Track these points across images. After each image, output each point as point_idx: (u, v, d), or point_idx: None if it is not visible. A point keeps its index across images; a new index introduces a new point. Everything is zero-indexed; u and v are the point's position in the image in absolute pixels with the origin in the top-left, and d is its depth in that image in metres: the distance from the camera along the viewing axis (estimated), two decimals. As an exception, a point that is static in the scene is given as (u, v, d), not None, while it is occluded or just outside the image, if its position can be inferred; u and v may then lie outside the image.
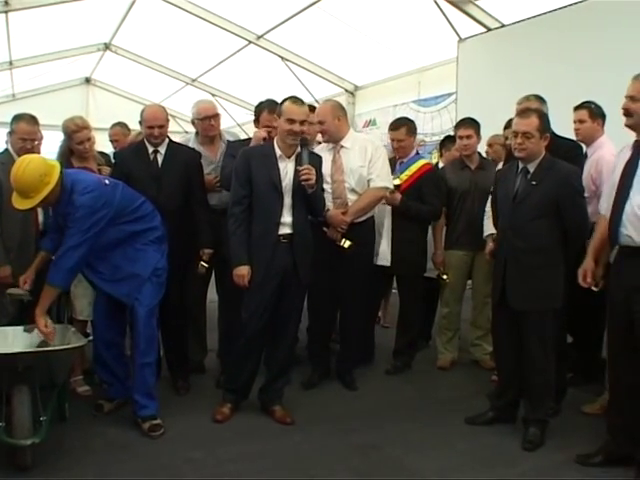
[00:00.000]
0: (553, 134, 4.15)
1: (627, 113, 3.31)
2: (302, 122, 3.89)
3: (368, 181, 4.49)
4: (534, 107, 4.03)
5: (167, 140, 4.53)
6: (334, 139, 4.54)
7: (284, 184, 3.93)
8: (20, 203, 3.62)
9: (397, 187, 4.82)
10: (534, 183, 3.72)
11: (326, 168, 4.40)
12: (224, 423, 4.02)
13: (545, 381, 3.79)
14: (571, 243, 3.78)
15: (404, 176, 4.95)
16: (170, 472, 3.43)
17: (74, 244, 3.68)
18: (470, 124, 5.11)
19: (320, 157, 4.16)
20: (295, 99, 3.97)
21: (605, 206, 3.53)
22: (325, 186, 4.37)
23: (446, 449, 3.75)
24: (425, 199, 4.91)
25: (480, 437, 3.89)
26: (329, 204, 4.39)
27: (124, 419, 4.02)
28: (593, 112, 4.46)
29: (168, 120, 4.62)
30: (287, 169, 3.94)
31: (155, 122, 4.45)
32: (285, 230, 3.94)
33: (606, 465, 3.46)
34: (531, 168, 3.76)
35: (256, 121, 4.78)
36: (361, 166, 4.47)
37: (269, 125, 4.51)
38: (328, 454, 3.67)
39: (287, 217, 3.95)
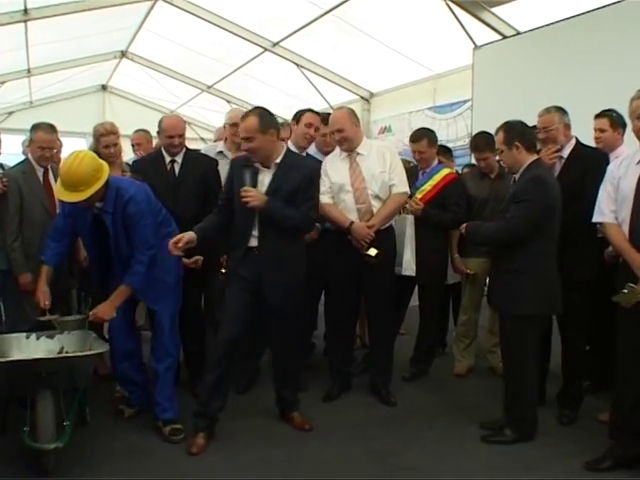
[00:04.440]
0: (578, 143, 4.17)
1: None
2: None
3: (390, 186, 4.43)
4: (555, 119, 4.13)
5: (184, 149, 4.59)
6: (353, 146, 4.44)
7: None
8: (68, 196, 3.65)
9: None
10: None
11: (343, 177, 4.41)
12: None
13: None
14: None
15: (428, 186, 4.95)
16: (190, 478, 3.47)
17: (147, 247, 3.83)
18: (484, 148, 4.94)
19: (305, 170, 3.93)
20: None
21: (607, 212, 3.56)
22: (344, 195, 4.39)
23: (463, 455, 3.76)
24: (448, 207, 4.91)
25: (497, 444, 3.89)
26: (353, 212, 4.38)
27: (145, 424, 4.06)
28: (614, 121, 4.45)
29: (185, 129, 4.69)
30: (264, 181, 3.86)
31: (175, 132, 4.51)
32: (253, 243, 3.87)
33: (616, 469, 3.48)
34: None
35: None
36: (382, 172, 4.40)
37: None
38: (346, 460, 3.69)
39: (255, 230, 3.87)
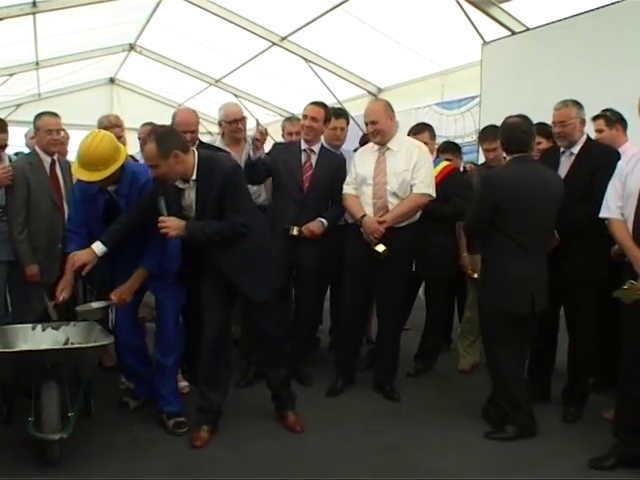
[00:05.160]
0: (589, 139, 4.15)
1: None
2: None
3: (411, 186, 4.36)
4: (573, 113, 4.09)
5: (197, 142, 4.60)
6: (385, 140, 4.39)
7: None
8: (86, 175, 3.65)
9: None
10: None
11: (368, 170, 4.39)
12: (252, 418, 4.05)
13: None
14: None
15: None
16: (193, 469, 3.49)
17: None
18: (494, 138, 4.85)
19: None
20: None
21: (613, 208, 3.56)
22: (365, 188, 4.38)
23: (466, 452, 3.76)
24: (450, 200, 4.88)
25: (501, 440, 3.90)
26: (369, 206, 4.36)
27: (149, 417, 4.08)
28: (609, 120, 4.44)
29: (199, 123, 4.71)
30: (191, 196, 3.74)
31: (188, 127, 4.53)
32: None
33: (619, 467, 3.48)
34: None
35: None
36: (405, 170, 4.32)
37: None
38: (348, 454, 3.70)
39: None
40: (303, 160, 4.72)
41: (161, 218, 3.61)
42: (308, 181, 4.68)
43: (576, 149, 4.15)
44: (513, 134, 3.92)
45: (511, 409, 3.94)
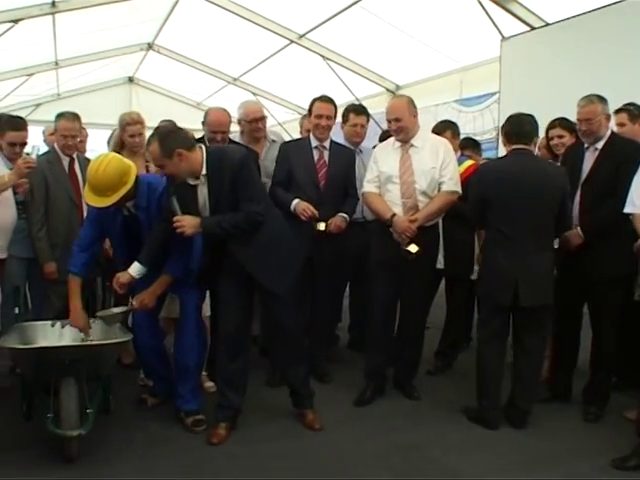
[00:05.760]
0: (613, 134, 4.08)
1: None
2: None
3: (440, 184, 4.25)
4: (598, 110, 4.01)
5: (227, 141, 4.63)
6: (409, 137, 4.27)
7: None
8: (96, 201, 3.66)
9: None
10: None
11: (393, 167, 4.27)
12: (269, 420, 4.03)
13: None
14: None
15: None
16: (211, 467, 3.47)
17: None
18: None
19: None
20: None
21: (638, 203, 3.54)
22: (392, 187, 4.26)
23: (486, 451, 3.72)
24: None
25: (521, 440, 3.85)
26: (398, 205, 4.24)
27: (167, 414, 4.08)
28: (632, 114, 4.37)
29: (231, 123, 4.70)
30: (204, 193, 3.72)
31: (219, 127, 4.57)
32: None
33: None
34: None
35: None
36: (433, 167, 4.21)
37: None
38: (368, 453, 3.67)
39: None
40: (316, 157, 4.68)
41: (176, 218, 3.60)
42: (324, 178, 4.65)
43: (600, 144, 4.06)
44: (519, 124, 3.98)
45: (478, 396, 4.05)
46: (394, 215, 4.17)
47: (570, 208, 3.98)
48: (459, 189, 4.31)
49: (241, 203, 3.63)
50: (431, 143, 4.31)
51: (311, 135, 4.74)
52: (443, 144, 4.36)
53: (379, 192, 4.35)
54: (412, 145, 4.28)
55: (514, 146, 3.96)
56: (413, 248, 4.09)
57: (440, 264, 4.74)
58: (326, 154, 4.70)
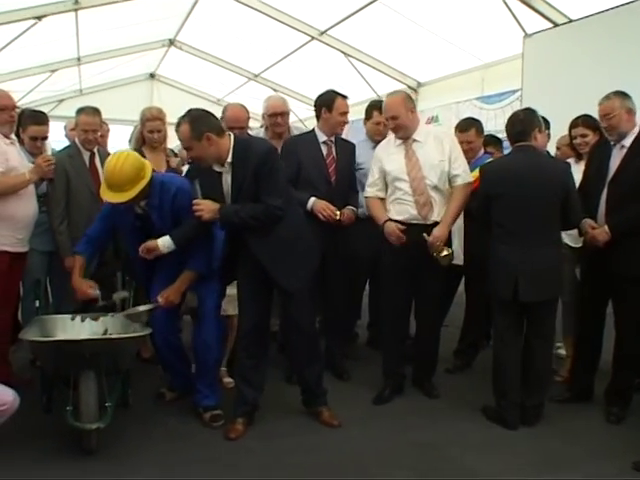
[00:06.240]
0: None
1: None
2: None
3: (452, 177, 4.19)
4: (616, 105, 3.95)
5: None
6: (408, 133, 4.19)
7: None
8: (113, 197, 3.69)
9: None
10: None
11: (399, 166, 4.20)
12: (287, 412, 4.03)
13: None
14: None
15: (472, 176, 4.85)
16: (229, 462, 3.47)
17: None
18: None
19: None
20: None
21: None
22: (401, 184, 4.18)
23: (505, 451, 3.69)
24: None
25: (541, 440, 3.81)
26: (410, 203, 4.17)
27: (185, 409, 4.09)
28: None
29: (249, 119, 4.71)
30: (228, 181, 3.71)
31: (237, 123, 4.58)
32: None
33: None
34: None
35: None
36: (441, 160, 4.13)
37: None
38: (385, 451, 3.65)
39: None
40: (325, 152, 4.66)
41: (195, 201, 3.63)
42: (334, 173, 4.64)
43: (628, 141, 3.97)
44: (511, 124, 4.02)
45: (495, 395, 4.03)
46: (387, 221, 4.17)
47: (577, 204, 3.94)
48: (470, 179, 4.25)
49: (261, 196, 3.62)
50: (434, 136, 4.24)
51: (317, 130, 4.70)
52: (446, 135, 4.35)
53: (381, 195, 4.33)
54: (415, 140, 4.21)
55: (515, 144, 4.00)
56: (444, 252, 4.08)
57: (460, 260, 4.70)
58: (334, 149, 4.68)
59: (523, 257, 3.83)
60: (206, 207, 3.62)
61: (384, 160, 4.29)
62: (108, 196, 3.71)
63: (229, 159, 3.63)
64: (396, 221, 4.18)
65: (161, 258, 3.92)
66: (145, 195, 3.78)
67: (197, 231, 3.84)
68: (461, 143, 4.84)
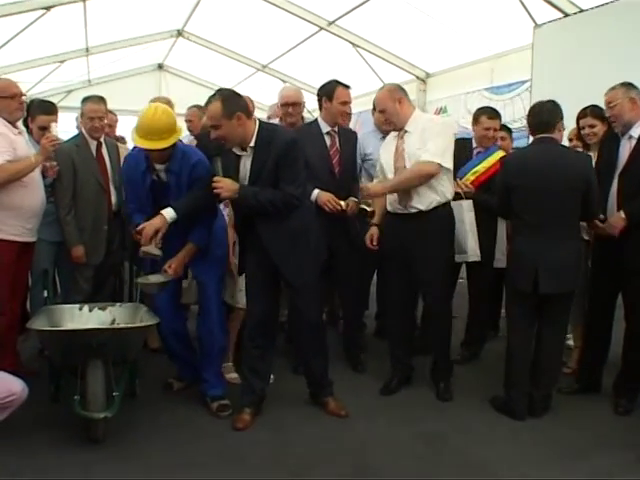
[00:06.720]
0: None
1: None
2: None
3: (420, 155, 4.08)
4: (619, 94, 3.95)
5: None
6: (400, 125, 4.17)
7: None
8: (150, 144, 3.66)
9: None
10: None
11: (389, 157, 4.22)
12: (294, 405, 4.03)
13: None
14: None
15: (481, 168, 4.83)
16: (235, 452, 3.48)
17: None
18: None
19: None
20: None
21: None
22: (389, 175, 4.20)
23: (513, 441, 3.69)
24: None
25: (549, 431, 3.81)
26: (394, 194, 4.18)
27: (192, 399, 4.10)
28: None
29: (254, 109, 4.73)
30: (246, 164, 3.73)
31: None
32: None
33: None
34: None
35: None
36: (418, 148, 4.06)
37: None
38: (392, 441, 3.66)
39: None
40: (329, 144, 4.65)
41: (216, 178, 3.62)
42: (338, 165, 4.63)
43: (636, 132, 3.94)
44: (537, 114, 3.97)
45: (505, 386, 4.04)
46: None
47: (597, 197, 3.91)
48: (439, 160, 4.03)
49: (281, 183, 3.64)
50: (422, 125, 4.15)
51: (320, 120, 4.69)
52: (430, 121, 4.25)
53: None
54: (406, 131, 4.19)
55: (537, 135, 3.97)
56: (365, 207, 4.47)
57: (477, 257, 4.64)
58: (337, 139, 4.67)
59: (543, 249, 3.82)
60: (226, 185, 3.61)
61: (381, 152, 4.36)
62: (146, 144, 3.67)
63: (252, 143, 3.63)
64: (388, 212, 4.29)
65: (167, 240, 3.85)
66: (167, 158, 3.79)
67: (198, 202, 3.82)
68: (488, 129, 4.87)
